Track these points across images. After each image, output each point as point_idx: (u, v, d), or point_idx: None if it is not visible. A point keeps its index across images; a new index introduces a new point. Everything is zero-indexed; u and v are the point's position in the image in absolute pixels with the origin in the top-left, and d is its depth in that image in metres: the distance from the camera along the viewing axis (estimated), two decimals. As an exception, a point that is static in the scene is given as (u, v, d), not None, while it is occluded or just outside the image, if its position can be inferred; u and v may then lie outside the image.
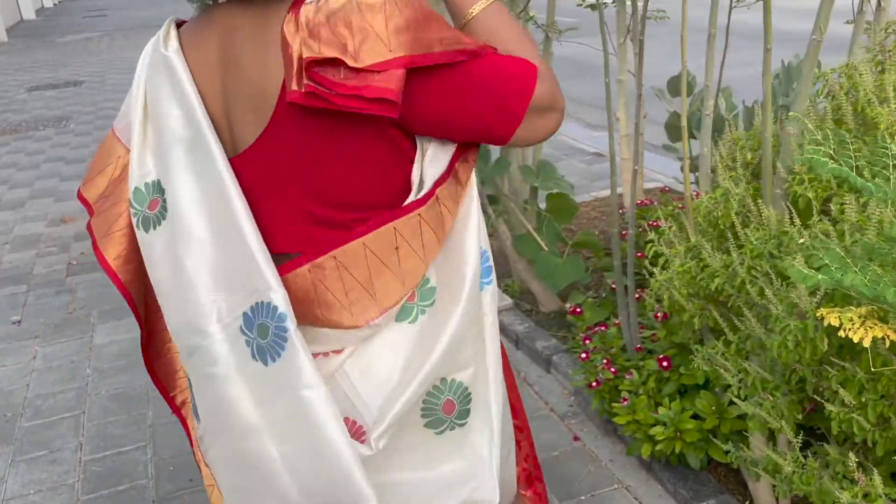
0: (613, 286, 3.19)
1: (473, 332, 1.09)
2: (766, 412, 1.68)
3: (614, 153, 2.57)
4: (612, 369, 2.47)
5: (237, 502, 1.11)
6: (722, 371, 1.78)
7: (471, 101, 0.97)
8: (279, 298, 0.98)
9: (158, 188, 1.06)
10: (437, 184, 1.03)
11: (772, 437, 2.17)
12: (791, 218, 1.78)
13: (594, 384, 2.45)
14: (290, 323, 0.98)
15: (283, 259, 1.03)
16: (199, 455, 1.19)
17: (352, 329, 1.03)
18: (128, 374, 3.26)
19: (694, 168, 4.50)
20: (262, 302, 0.98)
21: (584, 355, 2.47)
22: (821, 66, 4.01)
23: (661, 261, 2.10)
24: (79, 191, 1.14)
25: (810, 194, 1.78)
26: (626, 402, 2.30)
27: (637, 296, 2.56)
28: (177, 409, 1.29)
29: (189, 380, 1.15)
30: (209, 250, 1.02)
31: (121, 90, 9.78)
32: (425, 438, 1.09)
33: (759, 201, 1.92)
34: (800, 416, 1.69)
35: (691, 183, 4.70)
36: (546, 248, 3.23)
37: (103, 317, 3.80)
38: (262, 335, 0.99)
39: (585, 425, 2.72)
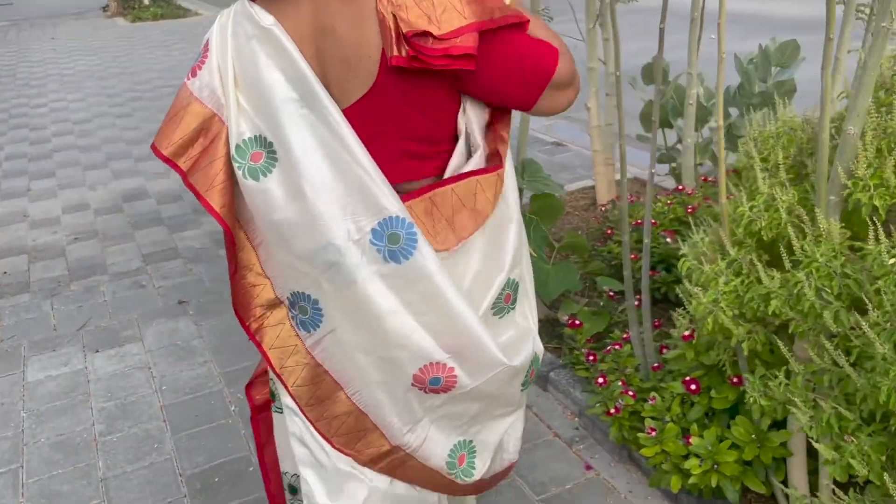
0: (611, 294, 2.97)
1: (523, 237, 1.43)
2: (849, 456, 1.46)
3: (625, 153, 2.32)
4: (630, 392, 2.24)
5: (363, 381, 1.36)
6: (794, 409, 1.56)
7: (512, 64, 1.23)
8: (403, 211, 1.24)
9: (259, 142, 1.26)
10: (495, 146, 1.34)
11: (815, 470, 1.98)
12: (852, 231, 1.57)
13: (613, 411, 2.21)
14: (417, 229, 1.25)
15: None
16: (306, 355, 1.38)
17: (438, 252, 1.28)
18: (70, 416, 2.87)
19: (670, 159, 4.34)
20: (390, 217, 1.24)
21: (600, 380, 2.24)
22: (799, 48, 3.86)
23: (696, 276, 1.87)
24: (153, 144, 1.31)
25: (877, 202, 1.57)
26: (653, 433, 2.07)
27: (636, 301, 2.34)
28: (252, 336, 1.42)
29: (308, 298, 1.33)
30: (334, 186, 1.23)
31: (34, 84, 9.06)
32: (493, 322, 1.40)
33: (812, 210, 1.71)
34: (883, 458, 1.49)
35: (666, 175, 4.57)
36: (534, 254, 2.98)
37: (35, 348, 3.37)
38: (392, 242, 1.24)
39: (596, 451, 2.49)
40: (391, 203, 1.23)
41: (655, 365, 2.31)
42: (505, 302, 1.41)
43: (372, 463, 1.40)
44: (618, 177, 4.76)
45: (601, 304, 2.96)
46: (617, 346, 2.34)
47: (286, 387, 1.38)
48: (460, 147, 1.32)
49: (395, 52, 1.15)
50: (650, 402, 2.18)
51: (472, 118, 1.31)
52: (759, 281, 1.83)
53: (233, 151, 1.27)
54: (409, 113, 1.24)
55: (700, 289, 1.80)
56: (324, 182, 1.23)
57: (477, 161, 1.32)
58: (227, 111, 1.27)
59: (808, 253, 1.63)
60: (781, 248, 1.71)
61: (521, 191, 3.08)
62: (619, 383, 2.25)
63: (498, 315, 1.41)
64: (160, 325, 3.50)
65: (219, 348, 3.29)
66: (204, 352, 3.27)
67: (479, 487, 1.58)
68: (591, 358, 2.60)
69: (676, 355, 2.14)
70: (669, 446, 2.06)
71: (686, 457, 2.05)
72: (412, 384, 1.33)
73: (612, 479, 2.36)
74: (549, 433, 2.60)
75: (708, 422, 2.14)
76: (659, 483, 2.18)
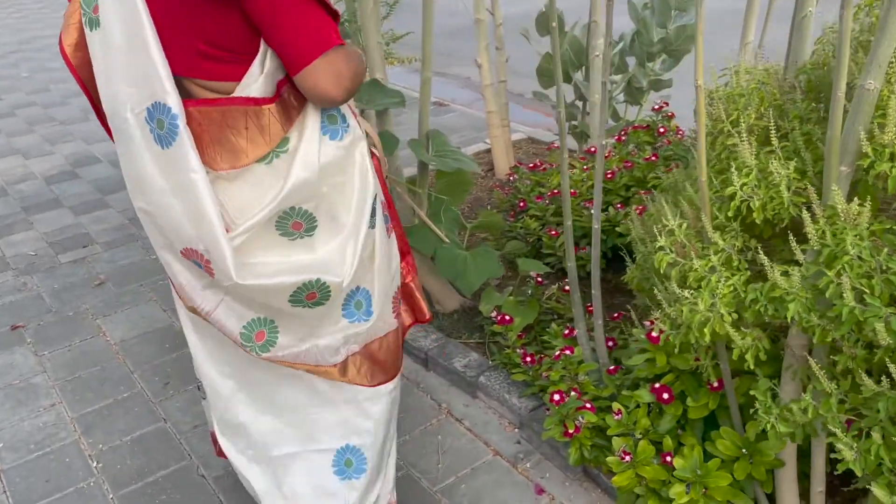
0: (540, 280, 2.61)
1: (324, 174, 1.47)
2: (910, 499, 1.17)
3: (563, 123, 1.92)
4: (589, 405, 1.89)
5: (153, 238, 1.52)
6: (834, 441, 1.25)
7: (288, 19, 1.32)
8: (173, 101, 1.33)
9: None
10: (281, 84, 1.41)
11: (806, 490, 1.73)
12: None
13: (572, 431, 1.86)
14: (181, 122, 1.34)
15: (185, 81, 1.40)
16: None
17: (215, 171, 1.42)
18: None
19: (570, 116, 4.02)
20: (159, 102, 1.34)
21: (556, 397, 1.87)
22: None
23: (677, 274, 1.52)
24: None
25: (905, 174, 1.27)
26: (628, 458, 1.74)
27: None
28: None
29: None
30: (124, 54, 1.34)
31: None
32: (282, 242, 1.49)
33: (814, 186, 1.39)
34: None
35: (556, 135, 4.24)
36: (447, 240, 2.56)
37: None
38: (160, 127, 1.35)
39: (545, 468, 2.15)
40: (162, 89, 1.32)
41: (611, 368, 1.98)
42: (293, 228, 1.48)
43: (192, 311, 1.55)
44: (517, 137, 4.42)
45: (528, 291, 2.59)
46: (568, 352, 1.98)
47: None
48: (255, 65, 1.36)
49: None
50: (616, 416, 1.84)
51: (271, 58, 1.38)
52: (763, 278, 1.51)
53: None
54: (199, 16, 1.32)
55: (688, 291, 1.45)
56: (117, 46, 1.33)
57: (259, 86, 1.37)
58: None
59: (827, 241, 1.31)
60: (787, 235, 1.38)
61: (424, 166, 2.64)
62: (574, 395, 1.90)
63: (287, 237, 1.48)
64: (-11, 361, 2.82)
65: (68, 385, 2.66)
66: (50, 391, 2.63)
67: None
68: (529, 359, 2.24)
69: (642, 360, 1.81)
70: (647, 471, 1.73)
71: (666, 481, 1.73)
72: (182, 256, 1.46)
73: (570, 502, 2.02)
74: (487, 451, 2.23)
75: (681, 432, 1.84)
76: (627, 505, 1.87)
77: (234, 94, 1.37)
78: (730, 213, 1.49)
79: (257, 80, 1.37)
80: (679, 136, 3.23)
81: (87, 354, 2.82)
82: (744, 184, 1.46)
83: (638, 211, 2.68)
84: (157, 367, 2.72)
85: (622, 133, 3.51)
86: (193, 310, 1.53)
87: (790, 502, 1.75)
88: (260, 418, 1.69)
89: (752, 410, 1.68)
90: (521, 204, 3.07)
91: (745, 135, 1.53)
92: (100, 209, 4.14)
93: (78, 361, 2.78)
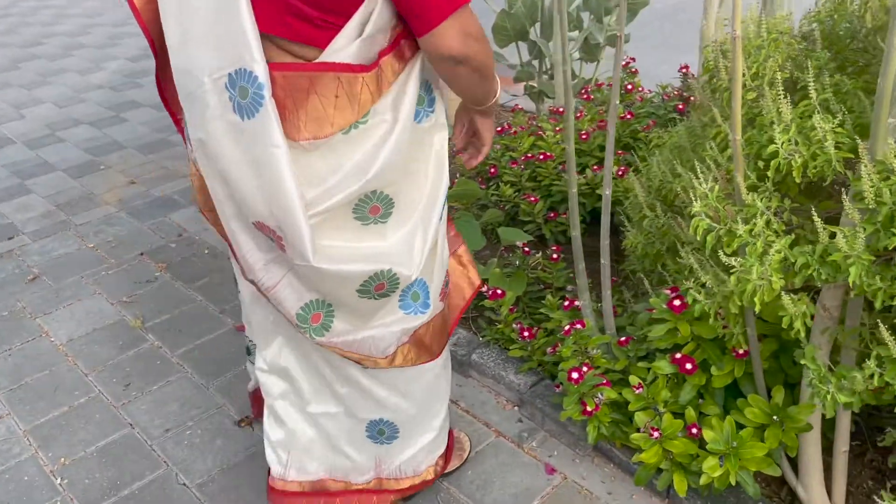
0: (527, 250, 2.50)
1: (406, 157, 1.38)
2: None
3: (569, 81, 1.79)
4: (605, 381, 1.81)
5: (220, 207, 1.40)
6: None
7: None
8: (260, 70, 1.21)
9: None
10: (382, 54, 1.29)
11: (829, 446, 1.70)
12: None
13: (591, 409, 1.77)
14: (266, 92, 1.22)
15: (264, 39, 1.24)
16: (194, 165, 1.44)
17: (296, 142, 1.29)
18: None
19: (527, 76, 3.88)
20: (245, 69, 1.22)
21: (574, 375, 1.77)
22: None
23: (712, 239, 1.42)
24: None
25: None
26: (657, 434, 1.66)
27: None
28: (181, 129, 1.49)
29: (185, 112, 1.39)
30: (209, 13, 1.22)
31: None
32: (354, 226, 1.41)
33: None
34: None
35: (519, 97, 4.08)
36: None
37: None
38: (242, 96, 1.24)
39: (552, 445, 2.06)
40: (251, 56, 1.21)
41: (622, 339, 1.89)
42: (370, 213, 1.40)
43: (250, 284, 1.49)
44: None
45: (515, 262, 2.48)
46: (579, 325, 1.87)
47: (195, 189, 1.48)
48: (351, 28, 1.24)
49: None
50: (636, 389, 1.76)
51: (377, 15, 1.25)
52: (803, 240, 1.43)
53: None
54: None
55: (734, 259, 1.36)
56: (204, 10, 1.22)
57: (354, 51, 1.26)
58: None
59: (883, 199, 1.23)
60: (816, 193, 1.31)
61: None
62: (591, 372, 1.80)
63: (360, 221, 1.41)
64: (-83, 373, 2.52)
65: (14, 395, 2.40)
66: (-5, 402, 2.37)
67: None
68: (527, 334, 2.14)
69: (664, 330, 1.72)
70: (675, 446, 1.66)
71: (695, 455, 1.67)
72: (255, 227, 1.37)
73: (584, 481, 1.95)
74: (489, 433, 2.13)
75: (701, 402, 1.77)
76: (646, 481, 1.80)
77: (325, 59, 1.25)
78: (769, 174, 1.40)
79: (352, 43, 1.25)
80: (648, 92, 3.15)
81: (32, 359, 2.56)
82: (785, 141, 1.37)
83: (619, 173, 2.59)
84: (114, 367, 2.49)
85: (583, 91, 3.41)
86: (253, 283, 1.47)
87: (815, 464, 1.71)
88: (302, 376, 1.67)
89: (781, 377, 1.63)
90: (493, 170, 2.94)
91: (780, 89, 1.43)
92: (21, 195, 3.78)
93: (22, 367, 2.51)
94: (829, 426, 1.74)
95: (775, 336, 1.73)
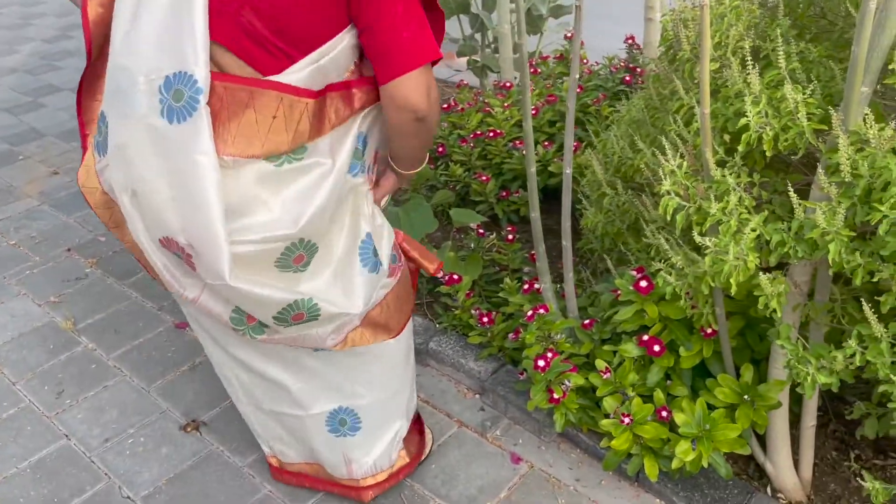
0: (481, 231, 2.41)
1: (336, 206, 1.34)
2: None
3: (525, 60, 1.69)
4: (572, 367, 1.75)
5: (131, 222, 1.30)
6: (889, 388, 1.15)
7: (403, 19, 1.21)
8: (201, 74, 1.16)
9: None
10: (330, 88, 1.26)
11: (795, 420, 1.68)
12: None
13: (559, 397, 1.71)
14: (203, 98, 1.16)
15: (214, 46, 1.20)
16: (98, 178, 1.37)
17: (220, 156, 1.21)
18: None
19: (470, 50, 3.77)
20: (185, 72, 1.16)
21: (541, 363, 1.70)
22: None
23: (683, 219, 1.36)
24: None
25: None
26: (628, 420, 1.61)
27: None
28: (85, 145, 1.42)
29: (104, 117, 1.30)
30: (161, 16, 1.18)
31: None
32: (272, 270, 1.32)
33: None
34: None
35: (462, 72, 3.96)
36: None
37: None
38: (176, 98, 1.17)
39: (516, 433, 2.00)
40: (194, 59, 1.16)
41: (586, 322, 1.83)
42: (295, 262, 1.33)
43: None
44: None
45: (470, 244, 2.39)
46: (542, 310, 1.80)
47: (90, 206, 1.40)
48: (306, 57, 1.22)
49: None
50: (603, 374, 1.70)
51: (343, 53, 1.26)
52: (780, 218, 1.38)
53: None
54: None
55: (708, 239, 1.30)
56: (157, 8, 1.18)
57: (304, 76, 1.23)
58: None
59: (860, 171, 1.19)
60: (784, 168, 1.26)
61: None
62: (557, 358, 1.74)
63: (280, 269, 1.32)
64: None
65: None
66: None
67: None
68: (487, 319, 2.06)
69: (631, 312, 1.67)
70: (646, 430, 1.62)
71: (666, 439, 1.63)
72: (160, 243, 1.30)
73: (551, 469, 1.89)
74: (451, 424, 2.05)
75: (669, 383, 1.73)
76: (615, 466, 1.76)
77: (271, 78, 1.21)
78: (740, 147, 1.35)
79: (303, 70, 1.21)
80: (595, 64, 3.09)
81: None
82: (755, 113, 1.32)
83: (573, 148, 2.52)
84: (44, 374, 2.31)
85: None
86: (178, 296, 1.41)
87: (783, 440, 1.70)
88: (251, 379, 1.62)
89: (748, 354, 1.60)
90: (440, 149, 2.84)
91: (747, 59, 1.37)
92: (-70, 190, 3.50)
93: (-60, 379, 2.31)
94: (795, 400, 1.73)
95: (741, 313, 1.69)
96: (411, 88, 1.22)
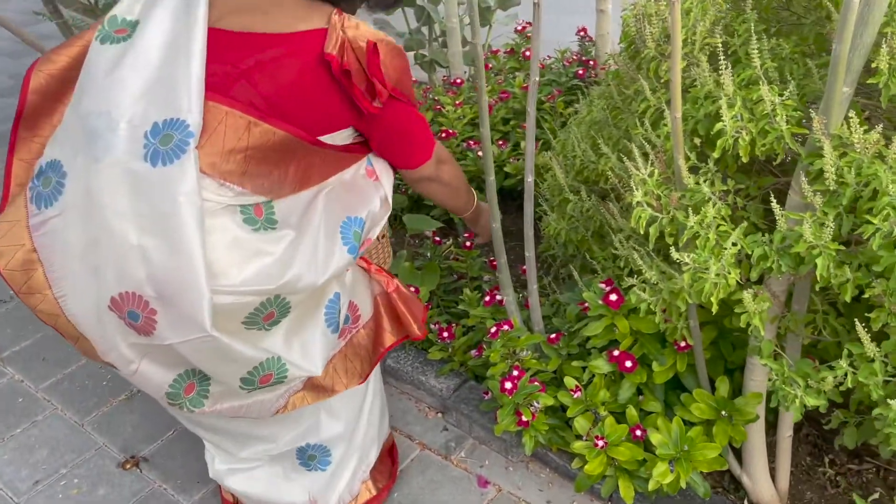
0: (437, 239, 2.29)
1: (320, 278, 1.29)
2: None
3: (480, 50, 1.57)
4: (541, 386, 1.64)
5: (70, 284, 1.21)
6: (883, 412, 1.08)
7: (409, 129, 1.35)
8: (194, 120, 1.14)
9: (132, 24, 1.21)
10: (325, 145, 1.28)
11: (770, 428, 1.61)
12: None
13: (528, 419, 1.60)
14: (193, 141, 1.13)
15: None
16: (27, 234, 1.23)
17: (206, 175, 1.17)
18: None
19: (417, 44, 3.63)
20: (178, 119, 1.14)
21: (507, 385, 1.59)
22: None
23: (656, 231, 1.27)
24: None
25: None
26: (602, 443, 1.52)
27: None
28: (7, 196, 1.29)
29: (58, 165, 1.22)
30: (153, 69, 1.17)
31: None
32: (237, 327, 1.24)
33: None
34: None
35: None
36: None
37: None
38: (163, 142, 1.13)
39: (482, 454, 1.90)
40: (188, 105, 1.14)
41: (552, 336, 1.73)
42: (264, 319, 1.27)
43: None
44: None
45: (426, 253, 2.27)
46: (506, 326, 1.70)
47: None
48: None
49: (335, 50, 1.16)
50: (574, 393, 1.60)
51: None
52: (756, 226, 1.30)
53: (106, 19, 1.23)
54: (296, 89, 1.20)
55: (686, 255, 1.21)
56: (146, 62, 1.17)
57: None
58: None
59: (846, 179, 1.11)
60: (753, 172, 1.17)
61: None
62: (525, 378, 1.64)
63: (245, 324, 1.25)
64: None
65: None
66: None
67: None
68: (447, 334, 1.95)
69: (601, 327, 1.57)
70: (621, 453, 1.53)
71: (642, 460, 1.54)
72: (109, 307, 1.19)
73: (520, 491, 1.79)
74: (414, 446, 1.93)
75: (640, 398, 1.65)
76: (588, 487, 1.67)
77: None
78: (714, 153, 1.25)
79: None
80: (547, 58, 2.99)
81: None
82: (731, 117, 1.22)
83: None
84: (-36, 410, 2.12)
85: (477, 59, 3.22)
86: (105, 363, 1.29)
87: (759, 451, 1.63)
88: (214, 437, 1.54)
89: (721, 364, 1.52)
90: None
91: (720, 58, 1.28)
92: None
93: None
94: (770, 410, 1.66)
95: (713, 322, 1.61)
96: (424, 169, 1.39)
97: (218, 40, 1.17)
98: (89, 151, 1.16)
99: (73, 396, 2.14)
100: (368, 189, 1.37)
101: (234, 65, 1.17)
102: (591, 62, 2.83)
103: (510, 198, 2.58)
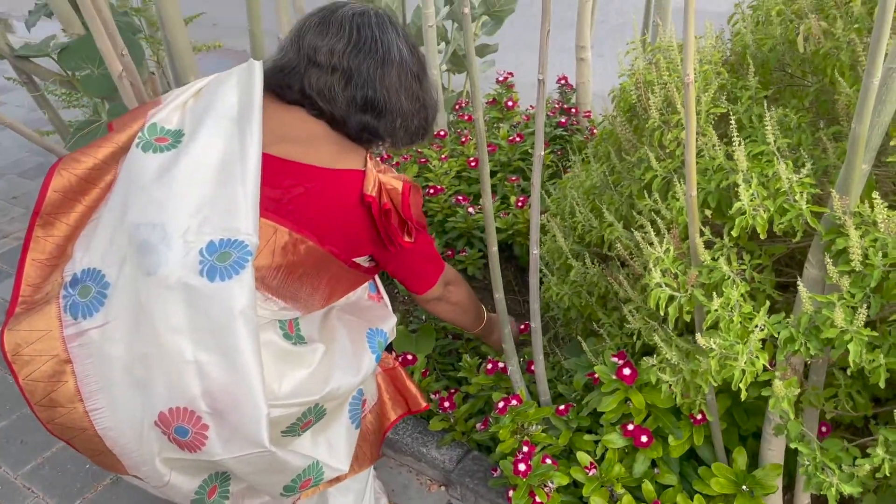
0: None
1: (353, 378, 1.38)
2: None
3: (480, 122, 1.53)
4: (555, 464, 1.59)
5: (109, 397, 1.17)
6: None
7: (422, 254, 1.45)
8: (252, 241, 1.16)
9: (174, 134, 1.25)
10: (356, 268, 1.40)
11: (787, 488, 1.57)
12: None
13: (542, 502, 1.54)
14: (252, 259, 1.15)
15: None
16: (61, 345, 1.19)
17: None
18: None
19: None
20: (235, 239, 1.15)
21: (521, 467, 1.53)
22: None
23: (675, 310, 1.23)
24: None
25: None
26: (623, 527, 1.46)
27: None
28: (15, 302, 1.25)
29: (99, 275, 1.20)
30: (209, 186, 1.18)
31: None
32: (277, 436, 1.29)
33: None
34: None
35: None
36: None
37: None
38: (221, 259, 1.14)
39: (491, 530, 1.83)
40: (246, 227, 1.16)
41: (561, 408, 1.68)
42: (302, 428, 1.32)
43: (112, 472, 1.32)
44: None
45: (421, 316, 2.21)
46: (514, 401, 1.64)
47: (15, 377, 1.19)
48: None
49: (374, 192, 1.28)
50: (589, 471, 1.55)
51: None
52: (771, 299, 1.27)
53: (146, 125, 1.26)
54: (321, 212, 1.26)
55: (713, 340, 1.17)
56: (202, 178, 1.19)
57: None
58: (165, 100, 1.29)
59: (872, 260, 1.08)
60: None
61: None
62: (538, 457, 1.58)
63: (284, 433, 1.30)
64: None
65: None
66: None
67: None
68: (448, 404, 1.89)
69: (615, 402, 1.52)
70: (644, 536, 1.47)
71: (665, 540, 1.49)
72: (156, 422, 1.17)
73: (533, 569, 1.72)
74: (417, 525, 1.86)
75: (656, 472, 1.60)
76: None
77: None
78: (734, 233, 1.23)
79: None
80: (531, 108, 2.98)
81: None
82: (752, 196, 1.20)
83: (518, 203, 2.39)
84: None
85: (456, 106, 3.20)
86: (123, 473, 1.28)
87: (779, 520, 1.59)
88: None
89: (735, 432, 1.48)
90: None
91: (733, 132, 1.26)
92: None
93: None
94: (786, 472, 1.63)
95: (727, 391, 1.58)
96: (433, 292, 1.49)
97: (268, 164, 1.22)
98: (140, 264, 1.16)
99: (55, 482, 2.03)
100: (375, 308, 1.50)
101: (285, 189, 1.22)
102: (573, 109, 2.83)
103: (500, 249, 2.53)
